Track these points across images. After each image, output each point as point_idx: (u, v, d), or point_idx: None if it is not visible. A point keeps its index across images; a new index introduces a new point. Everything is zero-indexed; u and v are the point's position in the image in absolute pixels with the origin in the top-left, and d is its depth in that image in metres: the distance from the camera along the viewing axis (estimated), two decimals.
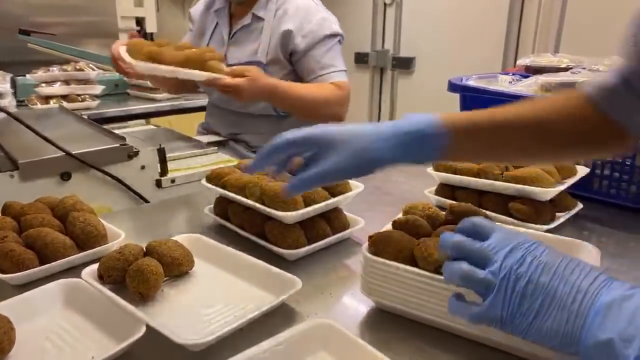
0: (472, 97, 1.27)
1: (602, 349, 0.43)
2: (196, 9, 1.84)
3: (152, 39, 3.51)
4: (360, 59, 4.36)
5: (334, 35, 1.63)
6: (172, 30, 4.04)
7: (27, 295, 0.71)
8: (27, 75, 2.30)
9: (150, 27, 3.43)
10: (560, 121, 0.69)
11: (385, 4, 4.14)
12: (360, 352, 0.58)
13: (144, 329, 0.61)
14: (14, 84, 2.20)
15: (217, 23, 1.73)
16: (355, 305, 0.74)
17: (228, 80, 1.30)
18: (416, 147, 0.66)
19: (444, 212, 0.79)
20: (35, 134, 1.24)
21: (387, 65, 4.23)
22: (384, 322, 0.70)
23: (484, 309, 0.50)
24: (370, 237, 0.71)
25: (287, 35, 1.58)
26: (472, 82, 1.32)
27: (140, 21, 3.44)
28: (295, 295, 0.71)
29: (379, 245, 0.69)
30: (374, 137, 0.65)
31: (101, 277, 0.74)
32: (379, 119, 4.47)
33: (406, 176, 1.28)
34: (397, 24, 4.10)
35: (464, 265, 0.52)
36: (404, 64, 4.09)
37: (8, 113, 1.28)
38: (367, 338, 0.62)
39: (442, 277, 0.63)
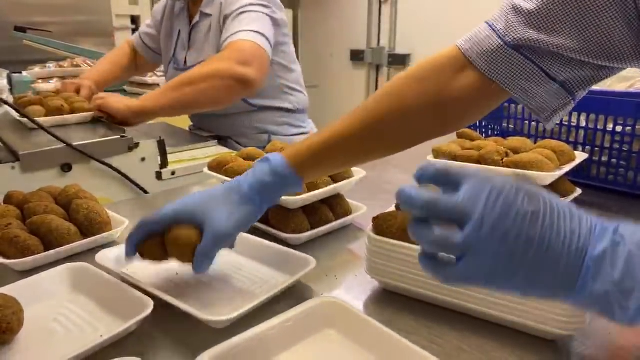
0: None
1: (599, 300, 0.42)
2: (158, 9, 1.80)
3: None
4: (356, 56, 4.37)
5: (250, 5, 1.45)
6: None
7: (35, 279, 0.71)
8: (24, 72, 2.30)
9: None
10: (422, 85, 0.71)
11: (380, 2, 4.15)
12: (366, 327, 0.59)
13: (151, 307, 0.62)
14: (10, 81, 2.19)
15: (179, 28, 1.69)
16: (360, 286, 0.75)
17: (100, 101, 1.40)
18: (278, 195, 0.75)
19: None
20: (36, 125, 1.24)
21: (383, 62, 4.24)
22: (388, 302, 0.70)
23: (462, 271, 0.45)
24: (374, 218, 0.72)
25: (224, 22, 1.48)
26: None
27: (135, 19, 3.44)
28: (305, 276, 0.72)
29: (383, 225, 0.69)
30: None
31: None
32: None
33: (402, 165, 1.28)
34: (392, 21, 4.11)
35: (437, 231, 0.45)
36: (400, 61, 4.10)
37: (8, 104, 1.28)
38: (372, 316, 0.63)
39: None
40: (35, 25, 2.78)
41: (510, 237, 0.42)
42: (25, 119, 1.30)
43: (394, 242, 0.68)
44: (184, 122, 1.90)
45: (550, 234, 0.42)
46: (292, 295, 0.71)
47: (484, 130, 1.35)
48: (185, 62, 1.65)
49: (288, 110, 1.72)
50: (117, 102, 1.39)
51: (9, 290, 0.66)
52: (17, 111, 1.29)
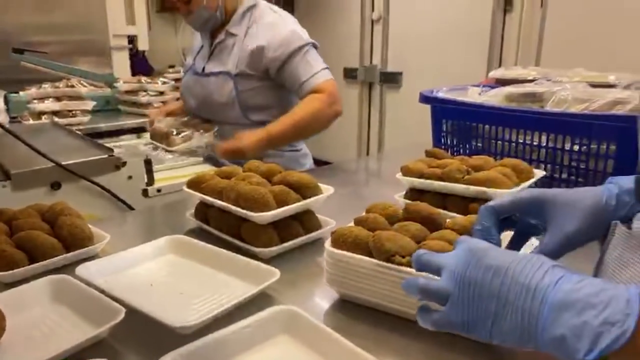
0: (441, 109, 1.35)
1: (557, 344, 0.45)
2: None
3: (144, 57, 3.60)
4: (349, 74, 4.46)
5: (305, 45, 1.71)
6: (164, 48, 4.13)
7: (18, 289, 0.77)
8: (20, 93, 2.37)
9: (142, 45, 3.51)
10: None
11: (372, 21, 4.25)
12: (317, 333, 0.65)
13: (123, 314, 0.68)
14: (6, 101, 2.26)
15: (202, 44, 1.88)
16: (321, 296, 0.81)
17: (226, 146, 1.60)
18: None
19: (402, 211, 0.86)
20: (26, 146, 1.30)
21: (375, 80, 4.33)
22: (345, 310, 0.76)
23: (443, 315, 0.54)
24: (332, 232, 0.78)
25: (259, 52, 1.68)
26: (441, 94, 1.40)
27: (132, 39, 3.53)
28: (271, 287, 0.78)
29: (339, 239, 0.75)
30: None
31: None
32: (368, 132, 4.56)
33: (380, 182, 1.35)
34: (384, 41, 4.20)
35: (421, 280, 0.55)
36: (391, 79, 4.19)
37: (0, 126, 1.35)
38: (330, 323, 0.68)
39: (392, 265, 0.70)
40: (33, 44, 2.86)
41: (474, 287, 0.51)
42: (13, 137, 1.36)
43: (349, 254, 0.74)
44: None
45: (510, 286, 0.49)
46: (257, 304, 0.77)
47: (455, 148, 1.41)
48: (203, 69, 1.82)
49: None
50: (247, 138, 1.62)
51: None
52: (8, 131, 1.35)
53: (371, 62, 4.34)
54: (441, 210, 0.94)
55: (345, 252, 0.74)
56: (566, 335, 0.45)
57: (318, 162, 4.95)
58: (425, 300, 0.57)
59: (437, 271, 0.57)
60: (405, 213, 0.82)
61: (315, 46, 1.74)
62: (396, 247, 0.70)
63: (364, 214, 0.86)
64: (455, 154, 1.40)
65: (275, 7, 1.81)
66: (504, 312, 0.49)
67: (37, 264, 0.87)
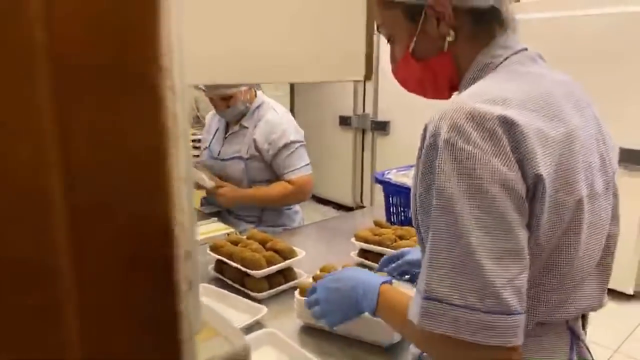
0: (387, 187, 1.89)
1: (360, 309, 1.02)
2: (208, 117, 2.54)
3: None
4: (344, 121, 5.02)
5: (292, 143, 2.21)
6: None
7: None
8: None
9: None
10: None
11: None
12: (288, 346, 1.17)
13: None
14: None
15: (218, 127, 2.40)
16: (295, 324, 1.33)
17: (219, 191, 2.21)
18: None
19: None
20: None
21: (367, 127, 4.89)
22: (310, 333, 1.29)
23: (315, 311, 1.12)
24: (298, 285, 1.31)
25: (261, 143, 2.20)
26: (390, 176, 1.93)
27: None
28: (262, 318, 1.31)
29: (302, 290, 1.28)
30: None
31: None
32: (362, 173, 5.11)
33: (344, 241, 1.87)
34: (375, 93, 4.77)
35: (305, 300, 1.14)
36: (382, 127, 4.74)
37: None
38: (298, 341, 1.20)
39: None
40: None
41: (323, 294, 1.06)
42: None
43: (302, 298, 1.27)
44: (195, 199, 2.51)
45: (341, 294, 1.03)
46: (252, 329, 1.30)
47: (399, 215, 1.94)
48: (219, 153, 2.33)
49: None
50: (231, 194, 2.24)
51: None
52: None
53: (364, 111, 4.91)
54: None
55: (304, 299, 1.27)
56: (362, 304, 1.00)
57: (319, 199, 5.44)
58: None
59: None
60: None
61: (301, 144, 2.25)
62: None
63: (318, 271, 1.39)
64: (398, 218, 1.93)
65: (278, 106, 2.32)
66: (344, 307, 1.04)
67: None
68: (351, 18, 0.72)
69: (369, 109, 4.88)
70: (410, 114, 4.64)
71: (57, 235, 0.26)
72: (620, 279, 3.32)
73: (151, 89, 0.26)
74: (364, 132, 4.99)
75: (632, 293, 3.38)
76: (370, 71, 0.75)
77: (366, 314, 1.03)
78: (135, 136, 0.26)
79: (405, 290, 1.06)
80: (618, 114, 3.16)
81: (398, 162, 4.28)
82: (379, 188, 2.04)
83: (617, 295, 3.39)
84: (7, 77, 0.24)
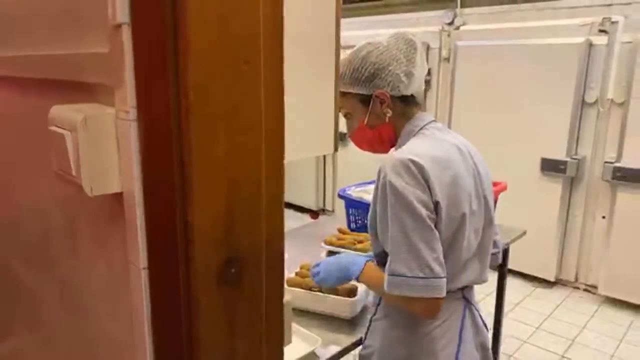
0: (347, 202, 2.40)
1: (351, 275, 1.47)
2: None
3: None
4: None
5: None
6: None
7: None
8: None
9: None
10: None
11: (324, 163, 5.33)
12: None
13: None
14: None
15: None
16: None
17: None
18: None
19: None
20: None
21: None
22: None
23: (317, 278, 1.56)
24: (287, 280, 1.80)
25: None
26: (350, 192, 2.44)
27: None
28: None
29: (290, 282, 1.77)
30: None
31: None
32: (324, 180, 5.62)
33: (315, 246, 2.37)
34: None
35: (313, 270, 1.60)
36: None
37: None
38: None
39: (306, 291, 1.73)
40: None
41: (327, 269, 1.54)
42: None
43: (293, 289, 1.76)
44: None
45: (337, 266, 1.53)
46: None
47: (357, 224, 2.44)
48: None
49: None
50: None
51: None
52: None
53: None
54: None
55: (292, 288, 1.76)
56: (351, 271, 1.47)
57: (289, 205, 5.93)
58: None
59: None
60: None
61: None
62: (309, 285, 1.73)
63: (299, 269, 1.89)
64: (356, 225, 2.43)
65: None
66: (338, 274, 1.53)
67: None
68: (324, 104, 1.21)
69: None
70: None
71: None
72: (543, 269, 3.95)
73: None
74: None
75: (553, 280, 4.01)
76: (337, 145, 1.25)
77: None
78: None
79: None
80: (537, 128, 3.82)
81: (357, 169, 4.84)
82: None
83: (541, 281, 4.03)
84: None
